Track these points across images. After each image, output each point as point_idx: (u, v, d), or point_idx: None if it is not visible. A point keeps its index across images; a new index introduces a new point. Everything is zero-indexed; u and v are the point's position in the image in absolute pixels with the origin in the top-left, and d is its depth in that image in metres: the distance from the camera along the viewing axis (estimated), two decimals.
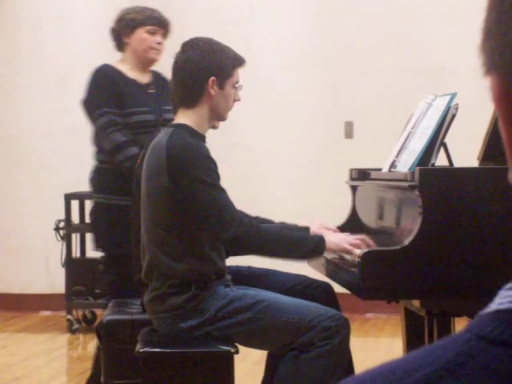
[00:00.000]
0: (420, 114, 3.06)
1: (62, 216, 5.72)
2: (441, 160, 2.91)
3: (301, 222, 3.12)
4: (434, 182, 2.60)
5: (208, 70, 2.95)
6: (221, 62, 2.96)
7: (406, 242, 2.57)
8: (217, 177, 2.88)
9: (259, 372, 3.32)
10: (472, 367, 0.55)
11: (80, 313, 5.79)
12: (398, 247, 2.58)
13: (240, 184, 5.77)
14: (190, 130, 2.94)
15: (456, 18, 5.89)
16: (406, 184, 2.70)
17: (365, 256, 2.57)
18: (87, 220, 4.74)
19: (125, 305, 3.35)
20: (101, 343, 3.18)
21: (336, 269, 2.99)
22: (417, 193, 2.59)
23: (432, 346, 0.59)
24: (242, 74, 3.06)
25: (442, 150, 2.87)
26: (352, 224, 3.39)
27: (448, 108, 2.88)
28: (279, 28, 6.19)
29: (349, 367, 3.02)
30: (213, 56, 2.96)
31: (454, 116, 2.84)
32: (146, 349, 2.86)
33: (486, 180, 2.60)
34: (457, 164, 2.92)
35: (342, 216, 3.52)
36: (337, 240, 2.89)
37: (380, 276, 2.56)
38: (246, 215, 2.91)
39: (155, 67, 4.14)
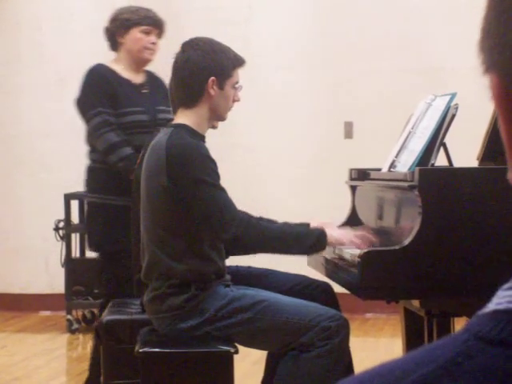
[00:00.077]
0: (420, 114, 3.06)
1: (62, 216, 5.72)
2: (440, 160, 2.91)
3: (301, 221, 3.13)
4: (433, 182, 2.60)
5: (208, 70, 2.95)
6: (221, 63, 2.96)
7: (406, 242, 2.57)
8: (217, 177, 2.88)
9: (259, 372, 3.32)
10: (470, 367, 0.55)
11: (80, 313, 5.78)
12: (397, 247, 2.58)
13: (240, 184, 5.77)
14: (190, 130, 2.94)
15: (456, 18, 5.89)
16: (405, 184, 2.70)
17: (364, 256, 2.57)
18: None
19: (124, 305, 3.35)
20: (100, 343, 3.18)
21: (336, 269, 2.99)
22: (416, 193, 2.59)
23: (430, 345, 0.59)
24: (241, 74, 3.06)
25: (441, 150, 2.87)
26: (352, 224, 3.39)
27: (448, 108, 2.88)
28: (279, 28, 6.19)
29: (348, 367, 3.02)
30: (213, 56, 2.96)
31: (453, 116, 2.84)
32: (145, 349, 2.86)
33: (486, 180, 2.60)
34: (456, 164, 2.92)
35: (342, 216, 3.52)
36: (338, 234, 2.89)
37: (380, 276, 2.56)
38: (246, 213, 2.90)
39: (153, 67, 4.14)
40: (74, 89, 4.12)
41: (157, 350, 2.87)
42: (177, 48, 3.05)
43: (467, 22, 5.70)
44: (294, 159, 6.14)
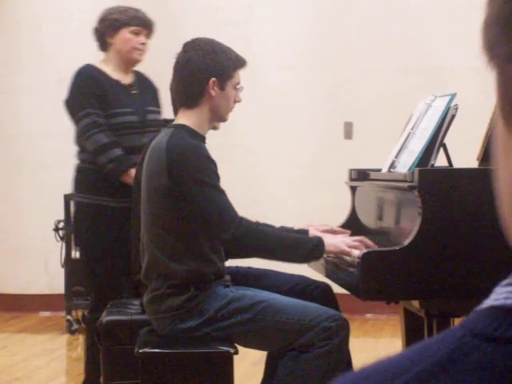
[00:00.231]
0: (419, 114, 3.06)
1: (62, 216, 5.72)
2: (440, 161, 2.91)
3: (300, 223, 3.12)
4: (433, 183, 2.60)
5: (209, 70, 2.94)
6: (222, 63, 2.96)
7: (406, 242, 2.57)
8: (216, 178, 2.88)
9: (259, 372, 3.31)
10: (465, 364, 0.55)
11: (79, 313, 5.78)
12: (397, 248, 2.58)
13: (240, 184, 5.77)
14: (190, 131, 2.94)
15: (456, 18, 5.89)
16: (405, 184, 2.70)
17: (364, 257, 2.57)
18: None
19: (124, 305, 3.35)
20: (100, 344, 3.18)
21: (335, 269, 2.99)
22: (416, 193, 2.59)
23: (426, 342, 0.59)
24: (242, 74, 3.06)
25: (441, 150, 2.87)
26: (351, 224, 3.39)
27: (447, 108, 2.88)
28: (279, 28, 6.19)
29: (348, 368, 3.02)
30: (214, 57, 2.96)
31: (453, 116, 2.84)
32: (145, 349, 2.86)
33: (486, 181, 2.60)
34: (456, 165, 2.91)
35: (342, 216, 3.52)
36: (335, 242, 2.88)
37: (379, 277, 2.56)
38: (245, 218, 2.91)
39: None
40: None
41: (156, 350, 2.87)
42: (176, 48, 3.04)
43: (467, 22, 5.70)
44: (294, 159, 6.14)
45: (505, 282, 0.60)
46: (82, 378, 3.99)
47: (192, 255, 2.88)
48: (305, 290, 3.16)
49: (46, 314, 6.28)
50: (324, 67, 6.13)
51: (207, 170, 2.85)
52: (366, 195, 3.35)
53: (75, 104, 3.87)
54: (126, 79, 3.97)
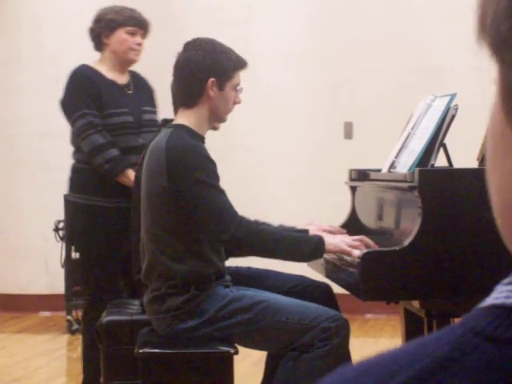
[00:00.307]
0: (420, 114, 3.06)
1: (62, 216, 5.71)
2: (440, 161, 2.91)
3: (300, 223, 3.12)
4: (433, 183, 2.60)
5: (208, 70, 2.94)
6: (222, 64, 2.96)
7: (406, 242, 2.57)
8: (216, 178, 2.88)
9: (259, 372, 3.31)
10: (465, 364, 0.55)
11: (80, 313, 5.78)
12: (397, 248, 2.57)
13: (240, 184, 5.77)
14: (190, 131, 2.94)
15: (456, 18, 5.88)
16: (405, 185, 2.70)
17: (364, 257, 2.57)
18: None
19: (124, 305, 3.35)
20: (100, 344, 3.18)
21: (336, 269, 2.99)
22: (416, 193, 2.59)
23: (426, 338, 0.59)
24: (242, 74, 3.05)
25: (441, 150, 2.87)
26: (351, 225, 3.39)
27: (447, 109, 2.88)
28: (279, 28, 6.18)
29: None
30: (214, 57, 2.96)
31: (453, 117, 2.84)
32: (145, 349, 2.86)
33: (486, 181, 2.60)
34: (456, 165, 2.91)
35: (342, 216, 3.51)
36: (336, 241, 2.88)
37: (379, 277, 2.56)
38: (245, 217, 2.91)
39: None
40: None
41: (157, 350, 2.87)
42: (176, 48, 3.04)
43: (467, 22, 5.69)
44: (294, 159, 6.14)
45: (506, 280, 0.60)
46: (81, 378, 3.99)
47: (192, 255, 2.88)
48: (305, 290, 3.16)
49: (46, 314, 6.28)
50: (324, 67, 6.13)
51: (207, 169, 2.85)
52: (366, 195, 3.35)
53: (71, 104, 3.86)
54: (122, 79, 3.97)
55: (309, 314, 2.84)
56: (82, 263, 3.97)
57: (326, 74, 6.12)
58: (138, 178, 3.32)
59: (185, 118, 2.98)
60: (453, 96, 2.90)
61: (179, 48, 3.04)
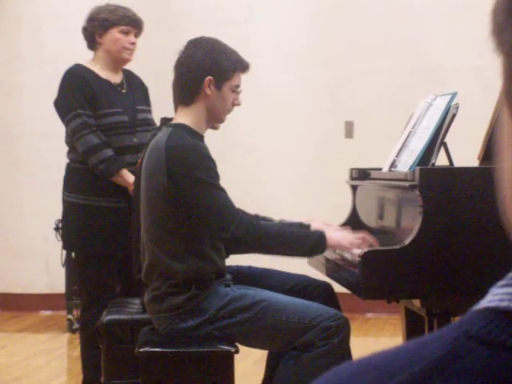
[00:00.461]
0: (420, 113, 3.06)
1: None
2: (441, 159, 2.91)
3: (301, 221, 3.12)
4: (434, 182, 2.60)
5: (205, 68, 2.94)
6: (220, 63, 2.96)
7: (407, 241, 2.57)
8: (216, 176, 2.88)
9: (259, 372, 3.32)
10: (459, 367, 0.55)
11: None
12: (398, 247, 2.58)
13: (240, 184, 5.77)
14: (189, 130, 2.94)
15: (456, 17, 5.89)
16: (406, 183, 2.70)
17: (365, 255, 2.57)
18: None
19: (124, 304, 3.35)
20: (101, 343, 3.18)
21: (336, 268, 2.99)
22: (417, 192, 2.59)
23: (421, 340, 0.59)
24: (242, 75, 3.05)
25: (442, 149, 2.87)
26: (352, 224, 3.39)
27: (448, 107, 2.88)
28: (279, 28, 6.18)
29: None
30: (213, 56, 2.96)
31: (454, 115, 2.84)
32: (145, 348, 2.86)
33: (487, 180, 2.60)
34: (457, 163, 2.92)
35: (343, 216, 3.52)
36: (338, 237, 2.88)
37: (380, 276, 2.56)
38: (246, 213, 2.91)
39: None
40: None
41: (157, 349, 2.87)
42: (176, 48, 3.05)
43: (467, 21, 5.71)
44: (295, 159, 6.14)
45: (500, 282, 0.60)
46: (82, 377, 3.99)
47: (192, 254, 2.88)
48: (306, 289, 3.16)
49: (47, 313, 6.28)
50: (324, 67, 6.13)
51: (207, 168, 2.85)
52: (367, 194, 3.35)
53: (65, 105, 3.85)
54: (116, 78, 3.96)
55: (309, 313, 2.84)
56: (78, 263, 3.97)
57: (326, 74, 6.12)
58: (137, 177, 3.32)
59: (184, 117, 2.98)
60: (453, 95, 2.90)
61: (179, 48, 3.04)
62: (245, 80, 3.08)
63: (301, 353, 2.81)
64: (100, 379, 3.25)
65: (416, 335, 3.17)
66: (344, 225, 3.40)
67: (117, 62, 3.95)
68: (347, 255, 2.93)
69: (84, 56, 4.06)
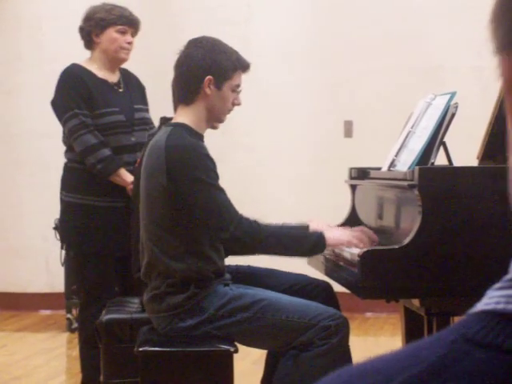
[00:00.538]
0: (419, 113, 3.06)
1: None
2: (440, 159, 2.91)
3: (301, 221, 3.13)
4: (433, 181, 2.60)
5: (205, 68, 2.94)
6: (220, 63, 2.96)
7: (406, 241, 2.57)
8: (216, 176, 2.88)
9: (259, 371, 3.32)
10: (456, 370, 0.55)
11: None
12: (397, 246, 2.58)
13: (240, 184, 5.77)
14: (189, 129, 2.94)
15: (456, 17, 5.89)
16: (405, 183, 2.70)
17: (364, 255, 2.57)
18: None
19: (124, 304, 3.35)
20: (100, 342, 3.18)
21: (336, 268, 2.99)
22: (416, 192, 2.59)
23: (419, 343, 0.59)
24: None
25: (441, 149, 2.87)
26: (352, 223, 3.39)
27: (447, 107, 2.88)
28: (278, 28, 6.19)
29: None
30: (213, 56, 2.96)
31: (453, 115, 2.84)
32: (145, 348, 2.86)
33: (486, 179, 2.60)
34: (456, 163, 2.92)
35: (342, 215, 3.52)
36: (337, 236, 2.89)
37: (379, 275, 2.56)
38: (247, 217, 2.91)
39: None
40: None
41: (156, 349, 2.87)
42: (176, 47, 3.05)
43: (467, 21, 5.71)
44: (294, 159, 6.14)
45: (496, 285, 0.60)
46: (81, 376, 3.99)
47: (192, 254, 2.88)
48: (305, 288, 3.16)
49: (46, 312, 6.29)
50: (324, 66, 6.13)
51: (206, 168, 2.85)
52: (366, 194, 3.35)
53: (62, 105, 3.85)
54: (113, 78, 3.95)
55: (309, 312, 2.84)
56: (77, 262, 3.98)
57: (325, 74, 6.12)
58: (137, 176, 3.32)
59: (184, 116, 2.98)
60: (453, 94, 2.90)
61: (178, 47, 3.04)
62: (245, 80, 3.08)
63: (300, 352, 2.81)
64: (99, 378, 3.25)
65: (415, 335, 3.17)
66: (343, 225, 3.40)
67: (114, 61, 3.95)
68: (346, 255, 2.93)
69: (84, 56, 4.07)
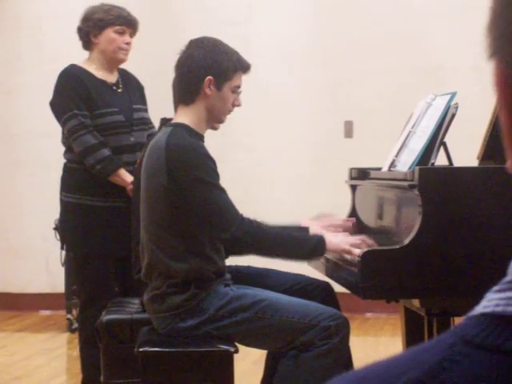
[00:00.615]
0: (420, 113, 3.06)
1: None
2: (440, 159, 2.91)
3: (302, 221, 3.13)
4: (433, 182, 2.60)
5: (206, 68, 2.94)
6: (221, 64, 2.96)
7: (406, 241, 2.57)
8: (216, 176, 2.88)
9: (259, 371, 3.32)
10: (456, 373, 0.55)
11: None
12: (397, 246, 2.58)
13: (240, 184, 5.77)
14: (189, 130, 2.94)
15: (456, 17, 5.89)
16: (405, 183, 2.70)
17: (365, 255, 2.57)
18: None
19: (124, 304, 3.35)
20: (100, 342, 3.18)
21: (336, 268, 2.99)
22: (416, 192, 2.59)
23: (418, 347, 0.59)
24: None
25: (441, 149, 2.87)
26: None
27: (448, 107, 2.88)
28: (279, 28, 6.19)
29: (348, 367, 3.03)
30: (214, 56, 2.96)
31: (453, 115, 2.84)
32: (145, 348, 2.86)
33: (486, 179, 2.60)
34: (456, 163, 2.92)
35: (342, 215, 3.51)
36: (337, 240, 2.88)
37: (380, 275, 2.56)
38: (249, 217, 2.91)
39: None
40: None
41: (157, 349, 2.87)
42: (176, 47, 3.05)
43: (467, 21, 5.71)
44: (294, 159, 6.14)
45: (496, 288, 0.60)
46: (81, 377, 3.99)
47: (192, 254, 2.88)
48: (305, 288, 3.16)
49: (47, 312, 6.29)
50: (324, 67, 6.13)
51: (207, 168, 2.85)
52: (367, 194, 3.35)
53: (61, 105, 3.85)
54: (111, 78, 3.95)
55: (309, 312, 2.84)
56: (76, 262, 3.98)
57: (326, 74, 6.12)
58: (137, 177, 3.32)
59: (184, 116, 2.98)
60: (453, 95, 2.90)
61: (179, 48, 3.04)
62: (245, 80, 3.08)
63: (300, 352, 2.81)
64: (99, 379, 3.25)
65: (415, 335, 3.18)
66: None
67: (112, 62, 3.95)
68: (347, 255, 2.93)
69: (84, 56, 4.07)
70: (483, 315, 0.58)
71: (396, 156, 3.07)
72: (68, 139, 3.85)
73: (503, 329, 0.56)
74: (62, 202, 3.95)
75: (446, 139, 2.88)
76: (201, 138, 2.99)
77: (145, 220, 2.97)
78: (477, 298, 0.64)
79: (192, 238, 2.89)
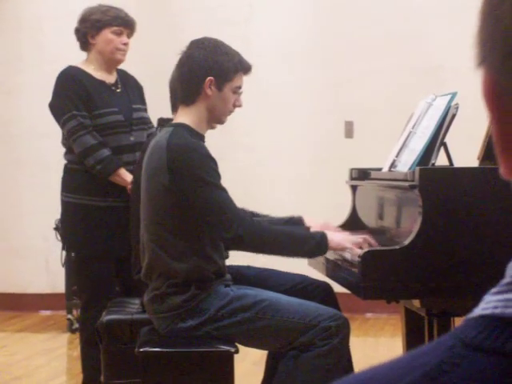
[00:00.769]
0: (420, 113, 3.06)
1: None
2: (441, 160, 2.91)
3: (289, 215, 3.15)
4: (434, 182, 2.60)
5: (206, 69, 2.94)
6: (222, 64, 2.96)
7: (406, 241, 2.57)
8: (217, 176, 2.88)
9: (259, 372, 3.32)
10: (455, 375, 0.55)
11: None
12: (398, 247, 2.58)
13: (241, 184, 5.77)
14: (190, 130, 2.94)
15: (456, 17, 5.89)
16: (406, 184, 2.70)
17: (365, 256, 2.57)
18: None
19: (124, 304, 3.35)
20: (100, 343, 3.18)
21: (336, 268, 2.99)
22: (417, 192, 2.59)
23: (418, 350, 0.59)
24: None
25: (442, 149, 2.87)
26: (352, 224, 3.39)
27: (448, 107, 2.88)
28: (279, 28, 6.19)
29: (348, 367, 3.03)
30: (215, 57, 2.96)
31: (454, 115, 2.84)
32: (145, 348, 2.86)
33: (486, 180, 2.60)
34: (457, 164, 2.92)
35: (342, 216, 3.52)
36: (339, 238, 2.89)
37: (380, 276, 2.56)
38: (245, 211, 2.92)
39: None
40: None
41: (157, 349, 2.87)
42: (176, 47, 3.05)
43: (467, 21, 5.70)
44: (295, 159, 6.14)
45: (494, 290, 0.60)
46: (82, 377, 3.99)
47: (193, 254, 2.88)
48: (305, 289, 3.16)
49: (47, 313, 6.28)
50: (324, 67, 6.13)
51: (208, 168, 2.85)
52: (367, 194, 3.35)
53: (60, 106, 3.86)
54: (110, 78, 3.96)
55: (309, 313, 2.84)
56: (77, 263, 3.98)
57: (326, 74, 6.12)
58: (136, 177, 3.33)
59: (185, 117, 2.98)
60: (453, 95, 2.90)
61: (179, 48, 3.04)
62: (245, 80, 3.08)
63: (300, 353, 2.81)
64: (100, 379, 3.25)
65: (416, 335, 3.17)
66: (344, 225, 3.40)
67: (110, 62, 3.95)
68: (347, 255, 2.93)
69: (84, 56, 4.07)
70: (482, 317, 0.58)
71: (396, 156, 3.07)
72: (68, 140, 3.85)
73: (502, 331, 0.56)
74: (62, 202, 3.96)
75: (447, 139, 2.88)
76: (202, 138, 2.99)
77: (146, 220, 2.97)
78: (477, 298, 0.64)
79: (193, 238, 2.89)
